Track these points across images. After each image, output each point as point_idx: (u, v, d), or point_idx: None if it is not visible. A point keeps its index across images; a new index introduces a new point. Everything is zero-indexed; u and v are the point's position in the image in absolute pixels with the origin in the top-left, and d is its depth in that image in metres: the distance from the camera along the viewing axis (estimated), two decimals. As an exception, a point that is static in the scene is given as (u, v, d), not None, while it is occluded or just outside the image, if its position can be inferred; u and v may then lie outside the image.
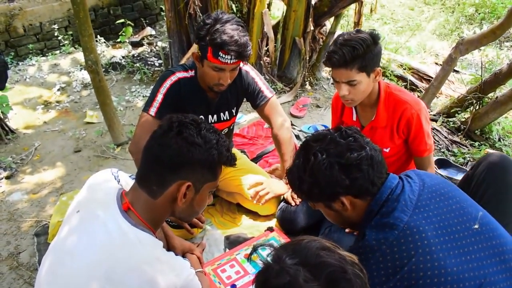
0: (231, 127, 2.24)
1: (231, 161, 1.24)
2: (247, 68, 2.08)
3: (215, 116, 2.08)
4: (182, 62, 3.48)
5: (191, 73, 1.98)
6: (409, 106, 1.81)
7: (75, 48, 4.63)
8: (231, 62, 1.77)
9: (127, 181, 1.36)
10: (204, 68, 1.84)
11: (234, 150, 2.43)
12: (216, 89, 1.90)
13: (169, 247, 1.66)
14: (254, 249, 0.93)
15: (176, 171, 1.14)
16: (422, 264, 1.04)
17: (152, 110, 1.89)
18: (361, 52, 1.67)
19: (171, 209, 1.19)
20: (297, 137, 3.04)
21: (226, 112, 2.10)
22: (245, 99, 2.19)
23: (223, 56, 1.75)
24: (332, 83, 4.01)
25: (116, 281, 1.04)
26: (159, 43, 4.33)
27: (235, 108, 2.14)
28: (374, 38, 1.71)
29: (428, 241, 1.06)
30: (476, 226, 1.11)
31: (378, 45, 1.74)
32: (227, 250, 2.02)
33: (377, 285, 1.07)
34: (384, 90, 1.87)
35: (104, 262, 1.06)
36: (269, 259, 0.86)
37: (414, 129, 1.84)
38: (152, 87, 2.01)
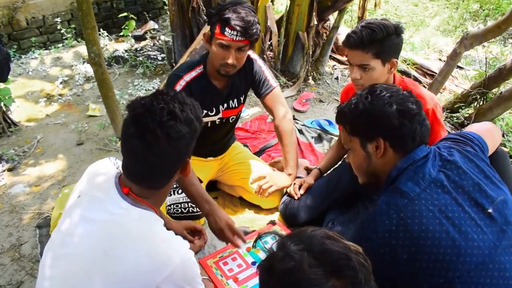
0: (238, 115, 2.24)
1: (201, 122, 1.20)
2: (255, 56, 2.10)
3: (225, 104, 2.08)
4: (185, 56, 3.46)
5: (198, 70, 1.97)
6: (424, 101, 1.74)
7: (77, 41, 4.63)
8: (237, 39, 1.79)
9: None
10: (212, 48, 1.86)
11: (237, 144, 2.43)
12: (222, 71, 1.89)
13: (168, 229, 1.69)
14: (259, 237, 0.92)
15: (175, 167, 1.18)
16: (423, 233, 1.12)
17: None
18: (380, 37, 1.66)
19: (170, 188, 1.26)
20: (300, 131, 3.03)
21: (235, 100, 2.11)
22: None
23: (229, 31, 1.77)
24: (335, 78, 3.99)
25: (114, 256, 1.05)
26: (162, 37, 4.32)
27: (243, 95, 2.15)
28: (397, 28, 1.71)
29: (434, 214, 1.14)
30: (490, 210, 1.18)
31: (399, 37, 1.73)
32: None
33: (380, 246, 1.14)
34: (399, 84, 1.83)
35: (103, 242, 1.07)
36: (273, 248, 0.86)
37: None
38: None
